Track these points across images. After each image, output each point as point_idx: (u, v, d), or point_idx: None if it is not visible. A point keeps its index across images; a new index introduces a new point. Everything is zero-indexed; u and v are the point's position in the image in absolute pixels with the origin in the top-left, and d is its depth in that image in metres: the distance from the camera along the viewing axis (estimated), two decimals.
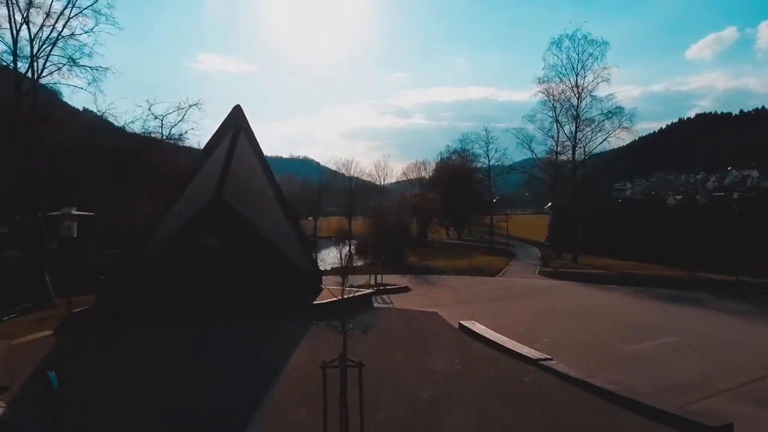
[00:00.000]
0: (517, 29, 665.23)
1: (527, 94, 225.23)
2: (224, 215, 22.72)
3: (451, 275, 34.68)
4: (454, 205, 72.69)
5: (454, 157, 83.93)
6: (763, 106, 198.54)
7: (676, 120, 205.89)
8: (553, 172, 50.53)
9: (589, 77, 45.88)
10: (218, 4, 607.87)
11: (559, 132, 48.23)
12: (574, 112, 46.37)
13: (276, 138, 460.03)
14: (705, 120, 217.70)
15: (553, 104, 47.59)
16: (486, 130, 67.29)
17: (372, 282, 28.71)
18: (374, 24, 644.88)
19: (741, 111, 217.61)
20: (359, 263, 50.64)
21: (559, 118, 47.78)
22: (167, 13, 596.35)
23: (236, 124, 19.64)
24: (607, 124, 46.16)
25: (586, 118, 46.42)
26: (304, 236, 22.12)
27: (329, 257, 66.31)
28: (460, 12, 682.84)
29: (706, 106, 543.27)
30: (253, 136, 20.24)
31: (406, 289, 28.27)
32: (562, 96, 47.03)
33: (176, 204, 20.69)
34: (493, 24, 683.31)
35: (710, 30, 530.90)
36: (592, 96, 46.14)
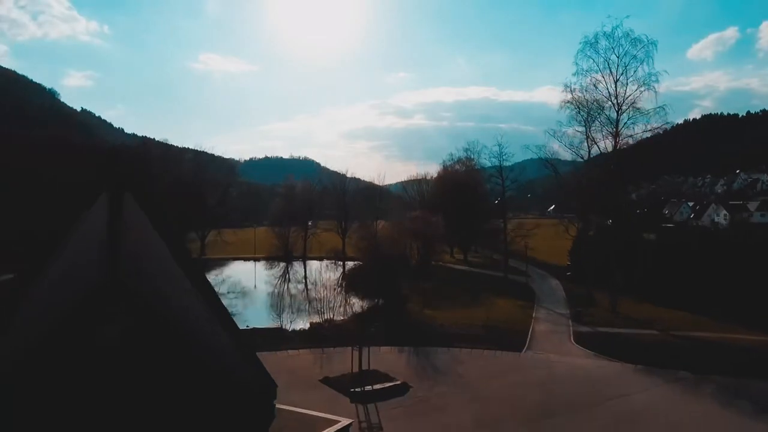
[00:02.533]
0: (517, 29, 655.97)
1: (528, 95, 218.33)
2: (118, 309, 14.80)
3: (463, 348, 26.04)
4: (460, 223, 64.47)
5: (458, 167, 76.65)
6: None
7: (680, 121, 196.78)
8: (583, 197, 41.88)
9: (632, 86, 36.10)
10: (219, 4, 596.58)
11: (590, 150, 39.32)
12: (612, 129, 36.70)
13: (277, 138, 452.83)
14: (710, 121, 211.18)
15: (585, 118, 37.99)
16: (500, 146, 59.31)
17: (356, 369, 20.79)
18: (375, 24, 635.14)
19: (748, 112, 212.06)
20: (349, 295, 43.79)
21: (593, 135, 38.44)
22: (168, 14, 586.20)
23: (116, 180, 11.32)
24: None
25: (628, 136, 37.09)
26: (237, 329, 13.90)
27: (319, 282, 58.26)
28: (461, 12, 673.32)
29: (708, 106, 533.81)
30: (144, 193, 11.90)
31: (402, 390, 19.98)
32: (595, 106, 37.52)
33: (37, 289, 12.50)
34: (494, 24, 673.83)
35: (711, 30, 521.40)
36: (635, 109, 36.38)
